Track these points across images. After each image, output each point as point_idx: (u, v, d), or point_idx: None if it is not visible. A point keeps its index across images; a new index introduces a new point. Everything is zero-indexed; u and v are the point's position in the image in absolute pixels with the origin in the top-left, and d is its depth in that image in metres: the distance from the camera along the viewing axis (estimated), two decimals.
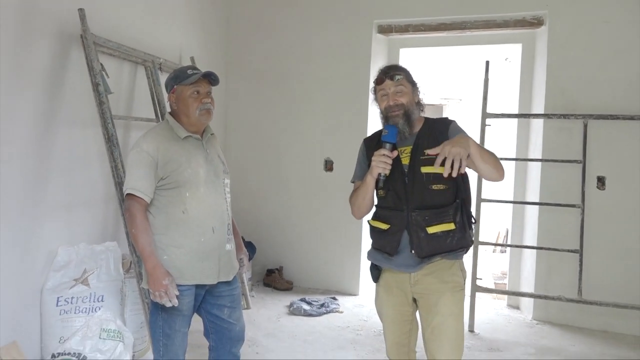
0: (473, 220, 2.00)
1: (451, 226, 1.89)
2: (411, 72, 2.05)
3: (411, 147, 1.96)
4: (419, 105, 2.04)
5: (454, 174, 1.71)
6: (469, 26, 4.02)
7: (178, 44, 3.87)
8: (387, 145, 1.90)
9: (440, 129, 1.97)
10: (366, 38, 4.27)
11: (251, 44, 4.65)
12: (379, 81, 2.01)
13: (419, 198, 1.91)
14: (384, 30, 4.28)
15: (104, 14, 2.98)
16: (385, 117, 1.98)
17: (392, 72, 1.99)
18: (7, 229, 2.42)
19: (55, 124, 2.69)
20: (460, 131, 1.97)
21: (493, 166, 1.84)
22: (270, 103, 4.61)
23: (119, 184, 2.79)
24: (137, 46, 3.23)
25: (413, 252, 1.91)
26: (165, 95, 3.26)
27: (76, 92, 2.80)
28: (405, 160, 1.96)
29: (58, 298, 2.60)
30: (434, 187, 1.90)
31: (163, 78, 3.38)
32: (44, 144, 2.63)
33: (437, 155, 1.74)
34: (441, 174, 1.83)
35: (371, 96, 2.13)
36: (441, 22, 4.09)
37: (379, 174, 1.90)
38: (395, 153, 1.92)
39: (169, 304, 1.98)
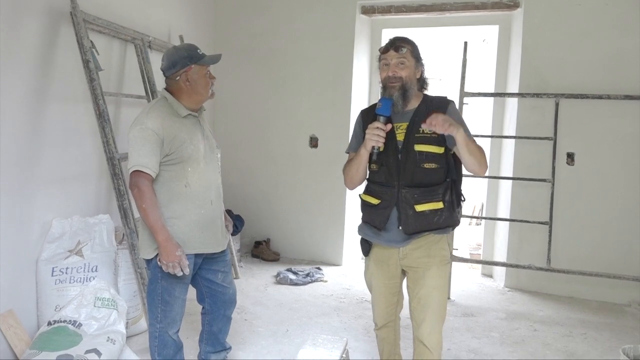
0: (463, 199, 2.04)
1: (439, 205, 1.92)
2: (418, 47, 2.01)
3: (407, 123, 1.96)
4: (421, 81, 2.02)
5: (437, 129, 1.78)
6: (448, 8, 4.10)
7: (167, 22, 3.87)
8: (381, 119, 1.89)
9: (439, 109, 1.94)
10: (350, 18, 4.32)
11: (238, 23, 4.66)
12: (383, 51, 1.98)
13: (410, 175, 1.92)
14: (367, 11, 4.33)
15: None
16: (384, 86, 1.97)
17: (397, 44, 1.95)
18: (2, 201, 2.44)
19: (47, 100, 2.70)
20: (457, 114, 1.98)
21: (477, 159, 1.87)
22: (257, 81, 4.66)
23: (111, 158, 2.84)
24: (127, 24, 3.25)
25: (400, 228, 1.95)
26: (156, 72, 3.30)
27: (67, 68, 2.81)
28: (401, 137, 1.95)
29: (53, 268, 2.66)
30: (426, 165, 1.91)
31: (152, 56, 3.42)
32: (37, 119, 2.64)
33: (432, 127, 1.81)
34: (434, 153, 1.90)
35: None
36: (422, 3, 4.15)
37: (373, 147, 1.89)
38: (389, 126, 1.90)
39: (180, 273, 2.06)
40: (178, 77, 2.15)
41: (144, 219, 2.07)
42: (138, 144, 2.05)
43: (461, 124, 1.95)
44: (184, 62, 2.13)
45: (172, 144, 2.09)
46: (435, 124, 1.79)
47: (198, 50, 2.18)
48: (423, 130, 1.92)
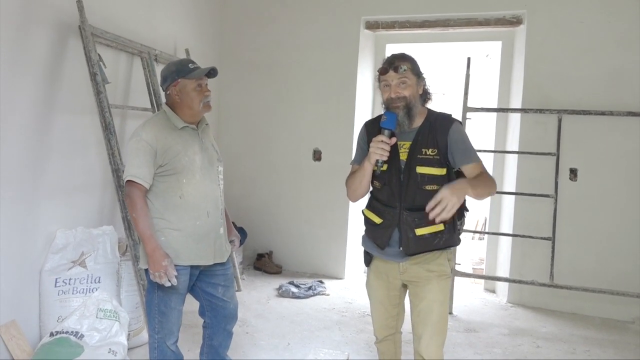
0: (467, 209, 2.04)
1: (440, 228, 1.91)
2: (417, 62, 1.97)
3: (410, 142, 1.94)
4: (424, 95, 1.99)
5: (437, 220, 1.75)
6: (451, 24, 4.14)
7: (173, 36, 3.92)
8: (386, 132, 1.86)
9: (442, 130, 1.92)
10: (354, 33, 4.36)
11: (244, 36, 4.71)
12: (382, 71, 1.93)
13: (411, 198, 1.91)
14: (371, 26, 4.38)
15: (101, 5, 3.02)
16: (387, 108, 1.93)
17: (397, 63, 1.90)
18: (7, 212, 2.46)
19: (54, 111, 2.73)
20: (461, 135, 1.94)
21: (486, 195, 1.95)
22: (261, 94, 4.69)
23: (116, 170, 2.86)
24: (134, 37, 3.29)
25: (401, 249, 1.96)
26: None
27: (74, 81, 2.84)
28: (404, 156, 1.94)
29: (56, 279, 2.66)
30: (428, 187, 1.90)
31: (159, 69, 3.45)
32: (43, 130, 2.67)
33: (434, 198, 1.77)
34: (435, 175, 1.90)
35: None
36: (425, 19, 4.19)
37: (377, 160, 1.87)
38: (393, 140, 1.87)
39: (167, 284, 2.07)
40: (169, 92, 2.23)
41: (134, 228, 2.12)
42: (133, 155, 2.11)
43: (465, 145, 1.94)
44: (173, 76, 2.19)
45: (166, 155, 2.13)
46: (436, 200, 1.74)
47: (189, 65, 2.21)
48: (425, 151, 1.92)
